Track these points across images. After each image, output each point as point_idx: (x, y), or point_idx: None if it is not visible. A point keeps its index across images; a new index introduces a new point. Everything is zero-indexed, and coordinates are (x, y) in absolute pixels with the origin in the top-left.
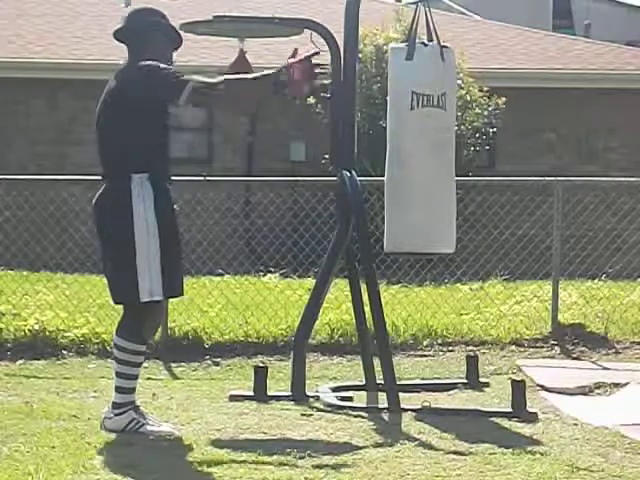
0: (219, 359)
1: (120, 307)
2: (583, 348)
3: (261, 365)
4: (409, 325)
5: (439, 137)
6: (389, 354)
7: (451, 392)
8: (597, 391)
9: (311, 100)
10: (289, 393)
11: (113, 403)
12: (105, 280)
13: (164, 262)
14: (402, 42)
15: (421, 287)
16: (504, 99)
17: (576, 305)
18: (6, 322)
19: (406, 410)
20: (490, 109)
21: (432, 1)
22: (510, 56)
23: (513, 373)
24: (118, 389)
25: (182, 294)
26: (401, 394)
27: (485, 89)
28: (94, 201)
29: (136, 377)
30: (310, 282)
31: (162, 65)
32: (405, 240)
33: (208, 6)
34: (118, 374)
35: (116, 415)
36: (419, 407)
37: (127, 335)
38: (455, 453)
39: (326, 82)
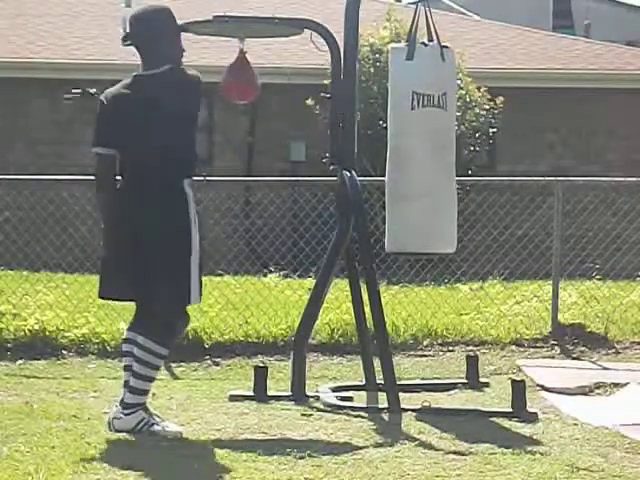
0: (219, 359)
1: (120, 307)
2: (583, 348)
3: (261, 365)
4: (409, 325)
5: (439, 137)
6: (389, 354)
7: (451, 392)
8: (597, 391)
9: (308, 102)
10: (289, 393)
11: (124, 403)
12: (128, 279)
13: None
14: (392, 41)
15: (421, 287)
16: (502, 98)
17: (576, 305)
18: (6, 322)
19: (406, 410)
20: (488, 108)
21: (432, 1)
22: (510, 56)
23: (513, 373)
24: (133, 390)
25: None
26: (401, 394)
27: (484, 89)
28: (135, 202)
29: (153, 380)
30: (310, 282)
31: None
32: (406, 240)
33: (208, 6)
34: (137, 375)
35: (126, 415)
36: (419, 407)
37: (157, 338)
38: (455, 453)
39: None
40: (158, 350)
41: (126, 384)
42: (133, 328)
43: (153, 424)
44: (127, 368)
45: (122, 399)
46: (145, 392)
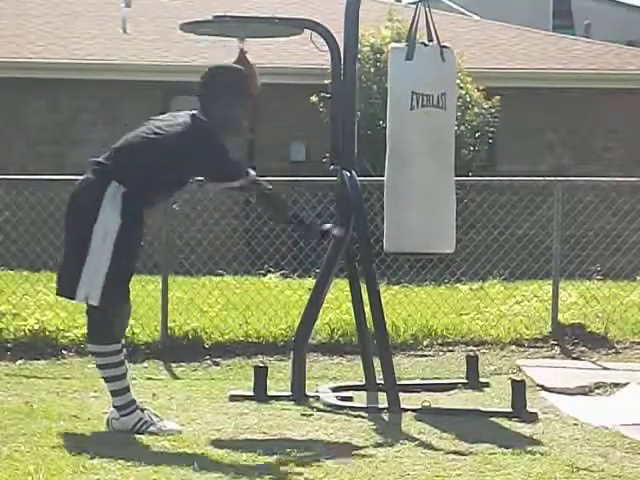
0: (219, 359)
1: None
2: (583, 348)
3: (261, 365)
4: (409, 325)
5: (439, 137)
6: (389, 354)
7: (451, 392)
8: (597, 391)
9: (312, 99)
10: (289, 393)
11: (115, 407)
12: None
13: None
14: (394, 41)
15: (421, 287)
16: (498, 97)
17: (576, 305)
18: (6, 322)
19: (406, 410)
20: (487, 107)
21: (432, 1)
22: (510, 56)
23: (513, 373)
24: (113, 392)
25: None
26: (401, 394)
27: (482, 88)
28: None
29: (124, 376)
30: (310, 282)
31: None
32: (405, 240)
33: (208, 6)
34: (107, 379)
35: (122, 416)
36: (419, 407)
37: (94, 338)
38: (455, 453)
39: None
40: (102, 349)
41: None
42: None
43: (150, 424)
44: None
45: (113, 404)
46: (126, 389)
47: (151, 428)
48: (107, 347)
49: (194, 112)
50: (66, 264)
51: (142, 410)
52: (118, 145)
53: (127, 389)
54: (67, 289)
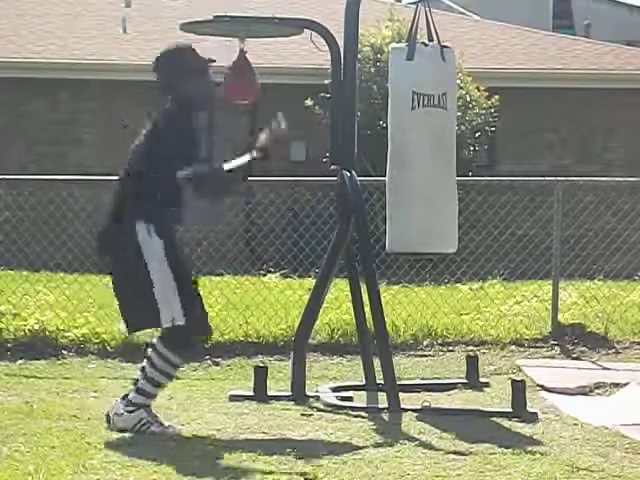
0: (219, 359)
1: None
2: (583, 348)
3: (261, 365)
4: (409, 325)
5: (440, 137)
6: (389, 354)
7: (451, 392)
8: (597, 391)
9: (307, 103)
10: (289, 393)
11: (128, 401)
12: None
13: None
14: (395, 41)
15: (421, 287)
16: (497, 97)
17: (576, 305)
18: (6, 322)
19: (406, 410)
20: (487, 107)
21: (432, 1)
22: (510, 56)
23: (513, 373)
24: (139, 390)
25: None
26: (401, 394)
27: (483, 88)
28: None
29: (161, 386)
30: (310, 282)
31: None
32: (406, 240)
33: (208, 6)
34: (147, 377)
35: (127, 412)
36: (419, 407)
37: (171, 345)
38: (455, 453)
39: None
40: (170, 357)
41: (135, 382)
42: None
43: (151, 425)
44: (142, 369)
45: (127, 394)
46: (151, 395)
47: (151, 429)
48: (175, 359)
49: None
50: (131, 301)
51: (148, 410)
52: (125, 175)
53: (153, 396)
54: (147, 322)
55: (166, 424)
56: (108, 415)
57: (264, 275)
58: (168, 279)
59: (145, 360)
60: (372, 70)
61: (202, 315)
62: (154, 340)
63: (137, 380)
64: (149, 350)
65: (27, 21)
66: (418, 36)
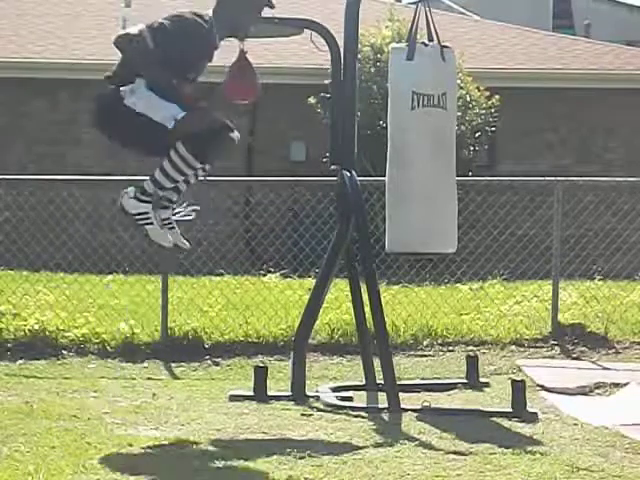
0: (219, 359)
1: (120, 307)
2: (583, 348)
3: (261, 365)
4: (409, 325)
5: (440, 137)
6: (389, 354)
7: (451, 392)
8: (597, 391)
9: (310, 101)
10: (289, 393)
11: (141, 188)
12: None
13: None
14: (395, 41)
15: (421, 287)
16: (497, 97)
17: (576, 305)
18: (6, 322)
19: (406, 410)
20: (487, 107)
21: (432, 1)
22: (510, 56)
23: (513, 373)
24: (153, 180)
25: None
26: (401, 394)
27: (483, 88)
28: None
29: (174, 181)
30: (310, 282)
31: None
32: (406, 240)
33: (208, 6)
34: (162, 170)
35: (137, 200)
36: (419, 407)
37: (190, 145)
38: (455, 453)
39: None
40: (186, 156)
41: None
42: None
43: (150, 224)
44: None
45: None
46: (162, 187)
47: (148, 227)
48: (189, 156)
49: None
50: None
51: (156, 206)
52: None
53: (163, 188)
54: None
55: (165, 232)
56: (121, 197)
57: (264, 275)
58: (150, 97)
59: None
60: (372, 70)
61: (216, 119)
62: (177, 143)
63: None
64: (171, 150)
65: (27, 21)
66: (418, 36)
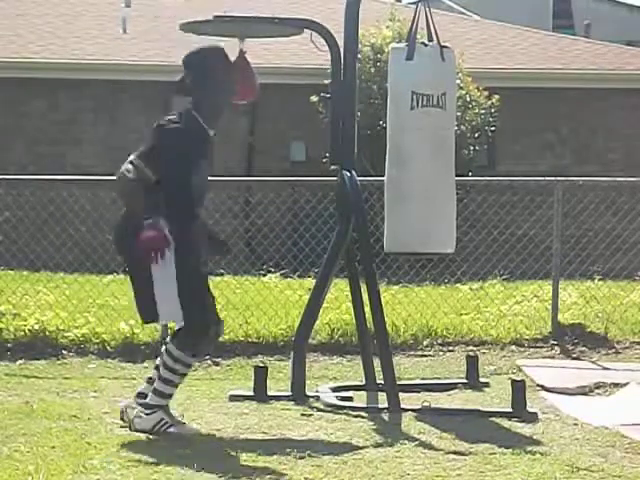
0: (219, 359)
1: (120, 307)
2: (583, 348)
3: (261, 365)
4: (409, 325)
5: (439, 137)
6: (389, 354)
7: (451, 392)
8: (597, 391)
9: (312, 99)
10: (289, 393)
11: (146, 404)
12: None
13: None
14: (397, 41)
15: (421, 287)
16: (497, 96)
17: (576, 305)
18: (6, 322)
19: (406, 410)
20: (486, 107)
21: (432, 1)
22: (510, 56)
23: (513, 373)
24: (155, 392)
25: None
26: (401, 394)
27: (482, 88)
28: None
29: (176, 385)
30: (310, 282)
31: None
32: (405, 240)
33: (208, 6)
34: (162, 379)
35: (146, 415)
36: (419, 407)
37: (181, 345)
38: (455, 453)
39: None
40: (181, 357)
41: (150, 382)
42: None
43: (170, 425)
44: (156, 368)
45: (142, 393)
46: (167, 396)
47: (170, 429)
48: (187, 358)
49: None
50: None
51: (166, 411)
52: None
53: (169, 396)
54: (149, 315)
55: (185, 423)
56: (129, 421)
57: (264, 275)
58: (170, 277)
59: (159, 359)
60: (372, 70)
61: (211, 315)
62: (167, 340)
63: (152, 379)
64: (163, 349)
65: (27, 21)
66: (419, 36)
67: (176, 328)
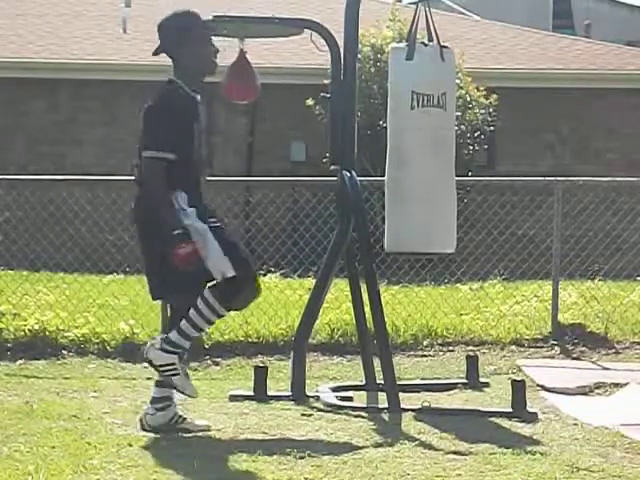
0: (219, 359)
1: (120, 307)
2: (583, 348)
3: (261, 365)
4: (409, 325)
5: (439, 137)
6: (389, 354)
7: (451, 392)
8: (597, 391)
9: (308, 103)
10: (289, 393)
11: (168, 339)
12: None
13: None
14: (397, 42)
15: (421, 287)
16: (495, 96)
17: (576, 305)
18: (6, 322)
19: (406, 410)
20: (486, 107)
21: (432, 1)
22: (510, 56)
23: (513, 373)
24: (181, 332)
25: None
26: (401, 394)
27: (482, 88)
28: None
29: (200, 330)
30: (310, 282)
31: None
32: (405, 240)
33: (208, 6)
34: (188, 319)
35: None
36: (419, 407)
37: (217, 294)
38: (455, 453)
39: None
40: (215, 306)
41: (159, 384)
42: None
43: (185, 419)
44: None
45: (153, 397)
46: (189, 338)
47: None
48: (222, 310)
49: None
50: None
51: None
52: None
53: (190, 339)
54: (158, 291)
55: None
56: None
57: (264, 275)
58: (211, 239)
59: (192, 307)
60: (372, 70)
61: (252, 272)
62: (204, 290)
63: (159, 381)
64: (198, 298)
65: (27, 21)
66: (419, 36)
67: (216, 281)
